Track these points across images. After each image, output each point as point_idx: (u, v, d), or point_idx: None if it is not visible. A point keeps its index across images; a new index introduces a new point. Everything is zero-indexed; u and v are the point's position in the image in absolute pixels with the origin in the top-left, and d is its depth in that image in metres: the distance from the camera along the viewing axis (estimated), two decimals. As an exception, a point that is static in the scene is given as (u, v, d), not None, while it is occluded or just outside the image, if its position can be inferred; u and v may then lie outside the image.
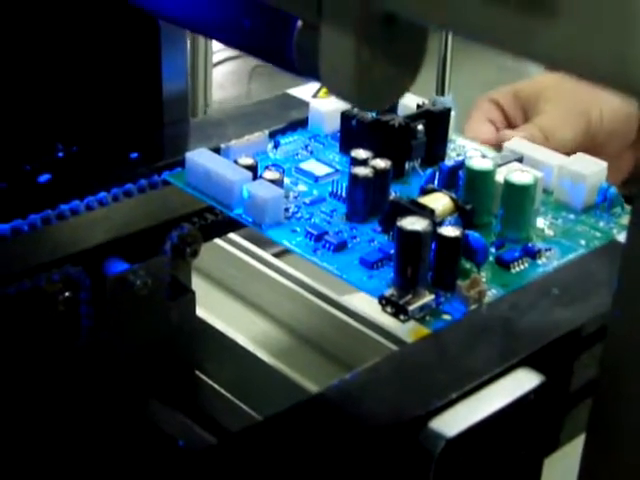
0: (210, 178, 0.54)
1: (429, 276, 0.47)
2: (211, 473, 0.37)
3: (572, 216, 0.54)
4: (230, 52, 1.79)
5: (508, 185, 0.51)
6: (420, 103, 0.58)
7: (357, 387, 0.41)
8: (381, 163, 0.53)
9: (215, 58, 1.66)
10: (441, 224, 0.48)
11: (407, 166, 0.56)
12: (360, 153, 0.54)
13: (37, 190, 0.55)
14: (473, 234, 0.48)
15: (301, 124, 0.62)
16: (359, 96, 0.36)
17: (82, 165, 0.57)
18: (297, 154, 0.60)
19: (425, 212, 0.48)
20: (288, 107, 0.64)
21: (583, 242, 0.52)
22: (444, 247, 0.47)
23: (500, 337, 0.43)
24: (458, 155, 0.59)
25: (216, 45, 1.55)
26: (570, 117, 0.62)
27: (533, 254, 0.50)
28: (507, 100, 0.64)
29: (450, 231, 0.47)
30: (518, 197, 0.51)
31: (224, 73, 1.82)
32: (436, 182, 0.54)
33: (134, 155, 0.58)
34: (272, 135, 0.60)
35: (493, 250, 0.50)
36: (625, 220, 0.53)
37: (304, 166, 0.57)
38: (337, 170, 0.57)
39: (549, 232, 0.53)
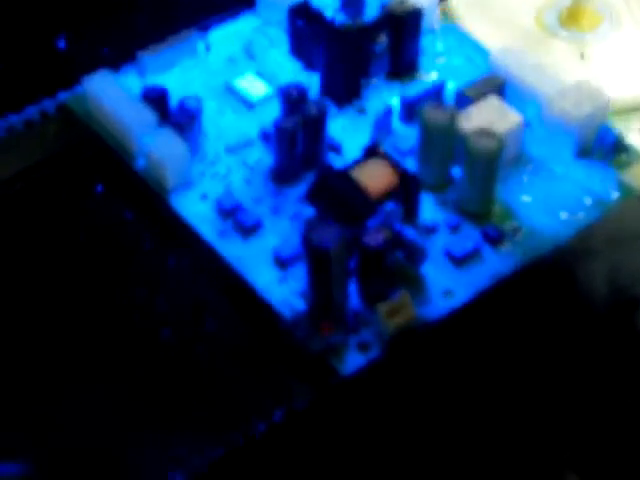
0: (107, 117, 0.41)
1: (352, 293, 0.36)
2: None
3: (559, 169, 0.41)
4: None
5: (465, 145, 0.39)
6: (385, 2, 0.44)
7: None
8: (315, 107, 0.40)
9: None
10: (374, 214, 0.36)
11: (365, 84, 0.43)
12: (292, 91, 0.40)
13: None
14: (409, 232, 0.37)
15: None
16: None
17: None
18: (234, 60, 0.44)
19: (356, 194, 0.37)
20: None
21: (564, 216, 0.39)
22: (365, 259, 0.36)
23: None
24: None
25: None
26: None
27: (494, 240, 0.38)
28: None
29: (373, 238, 0.35)
30: (476, 164, 0.39)
31: None
32: (398, 117, 0.42)
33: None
34: (203, 27, 0.45)
35: (447, 230, 0.39)
36: (634, 173, 0.40)
37: (240, 84, 0.43)
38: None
39: (525, 198, 0.40)
